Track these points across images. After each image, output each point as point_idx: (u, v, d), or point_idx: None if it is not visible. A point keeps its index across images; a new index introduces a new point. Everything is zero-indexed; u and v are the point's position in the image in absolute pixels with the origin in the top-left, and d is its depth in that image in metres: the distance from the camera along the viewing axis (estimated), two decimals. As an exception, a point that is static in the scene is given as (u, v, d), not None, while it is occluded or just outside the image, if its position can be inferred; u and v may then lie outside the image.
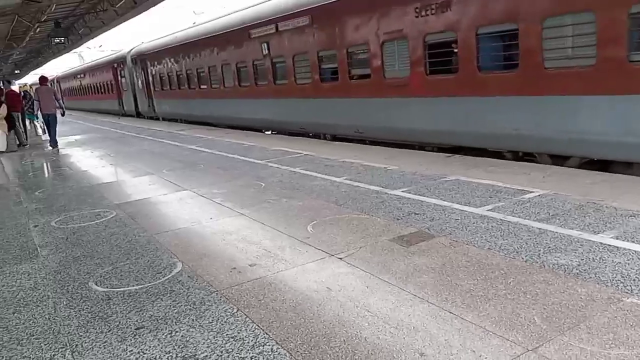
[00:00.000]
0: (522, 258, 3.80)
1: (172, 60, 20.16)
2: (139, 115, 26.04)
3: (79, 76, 38.82)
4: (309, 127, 12.75)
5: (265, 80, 13.86)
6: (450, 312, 3.07)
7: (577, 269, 3.53)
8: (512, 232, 4.36)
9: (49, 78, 32.02)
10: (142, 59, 23.36)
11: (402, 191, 6.05)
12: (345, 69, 10.76)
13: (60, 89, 44.36)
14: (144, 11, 18.79)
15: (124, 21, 20.55)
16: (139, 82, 24.33)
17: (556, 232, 4.25)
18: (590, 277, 3.39)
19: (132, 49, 25.32)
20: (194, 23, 21.97)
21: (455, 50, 8.16)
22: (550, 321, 2.89)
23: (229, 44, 15.35)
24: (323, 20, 11.04)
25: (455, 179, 6.42)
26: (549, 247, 3.97)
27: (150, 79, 22.78)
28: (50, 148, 14.63)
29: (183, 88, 19.59)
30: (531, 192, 5.52)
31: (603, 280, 3.34)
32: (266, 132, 15.11)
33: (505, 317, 2.98)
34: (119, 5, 18.24)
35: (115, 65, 27.86)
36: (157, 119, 23.46)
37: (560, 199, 5.17)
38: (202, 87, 18.08)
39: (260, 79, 14.18)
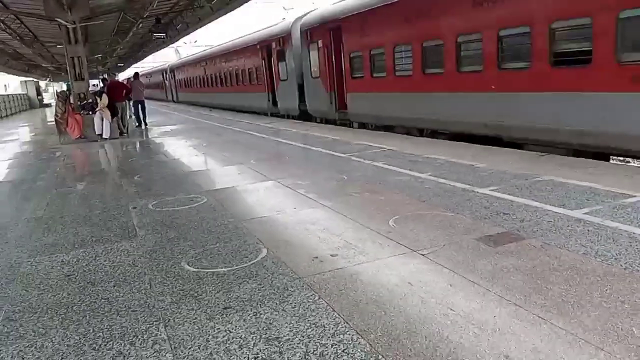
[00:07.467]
0: (621, 265, 3.55)
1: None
2: None
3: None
4: None
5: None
6: (540, 317, 2.94)
7: (685, 281, 3.24)
8: (610, 237, 4.08)
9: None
10: None
11: (490, 190, 5.85)
12: None
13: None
14: (237, 7, 19.48)
15: (218, 17, 21.42)
16: None
17: (662, 241, 3.93)
18: (701, 291, 3.10)
19: None
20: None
21: None
22: (652, 334, 2.68)
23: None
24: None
25: (548, 179, 6.10)
26: (653, 255, 3.67)
27: None
28: (139, 126, 18.79)
29: None
30: (633, 196, 5.12)
31: None
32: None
33: (600, 326, 2.80)
34: (214, 1, 19.05)
35: None
36: None
37: (667, 205, 4.76)
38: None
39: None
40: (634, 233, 4.13)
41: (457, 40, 10.06)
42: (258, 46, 21.06)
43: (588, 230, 4.27)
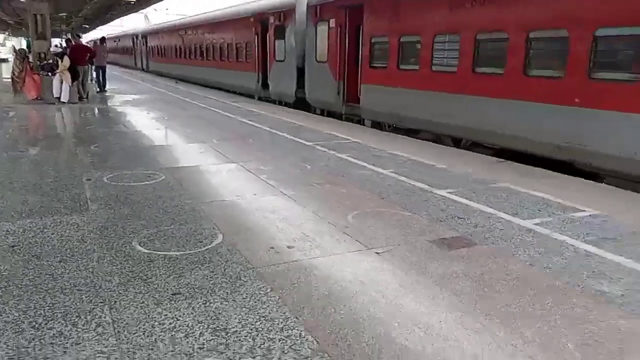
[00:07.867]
0: (564, 279, 3.68)
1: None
2: None
3: None
4: None
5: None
6: (482, 325, 3.02)
7: (620, 299, 3.39)
8: (557, 250, 4.23)
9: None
10: None
11: (448, 192, 5.96)
12: None
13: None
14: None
15: (193, -13, 20.78)
16: None
17: (604, 257, 4.09)
18: (634, 311, 3.25)
19: None
20: None
21: None
22: (584, 350, 2.80)
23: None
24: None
25: (505, 186, 6.26)
26: (594, 271, 3.83)
27: None
28: (100, 92, 18.65)
29: None
30: (583, 210, 5.32)
31: (648, 315, 3.20)
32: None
33: (539, 338, 2.90)
34: (190, -30, 18.48)
35: None
36: None
37: (613, 222, 4.96)
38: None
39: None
40: (578, 248, 4.29)
41: (529, 36, 7.95)
42: (252, 19, 18.27)
43: (537, 242, 4.42)
